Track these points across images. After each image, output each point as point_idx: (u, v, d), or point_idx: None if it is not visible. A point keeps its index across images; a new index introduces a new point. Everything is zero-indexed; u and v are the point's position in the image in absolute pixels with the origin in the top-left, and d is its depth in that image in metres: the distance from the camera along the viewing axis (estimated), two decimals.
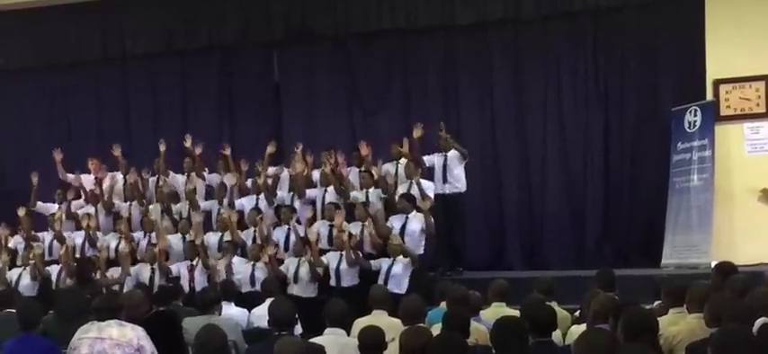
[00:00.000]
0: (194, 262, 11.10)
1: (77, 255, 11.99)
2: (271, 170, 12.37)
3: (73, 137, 14.70)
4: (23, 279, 11.60)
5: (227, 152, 12.65)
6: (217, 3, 13.88)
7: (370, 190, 11.55)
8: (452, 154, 11.75)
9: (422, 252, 10.82)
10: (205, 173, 12.80)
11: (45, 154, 14.44)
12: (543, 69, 12.95)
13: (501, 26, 13.06)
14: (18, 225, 12.67)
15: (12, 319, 7.19)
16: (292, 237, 11.14)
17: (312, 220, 11.49)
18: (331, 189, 11.71)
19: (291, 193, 11.99)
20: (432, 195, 11.26)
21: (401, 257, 10.30)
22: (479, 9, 12.84)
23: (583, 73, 12.80)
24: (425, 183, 11.36)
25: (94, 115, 14.72)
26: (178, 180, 12.83)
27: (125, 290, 10.39)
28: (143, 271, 11.31)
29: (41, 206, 13.08)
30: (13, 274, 11.77)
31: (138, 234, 12.22)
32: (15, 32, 14.40)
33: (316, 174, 12.11)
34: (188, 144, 12.74)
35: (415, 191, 11.16)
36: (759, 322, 5.53)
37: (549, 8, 12.67)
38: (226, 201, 12.11)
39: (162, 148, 12.71)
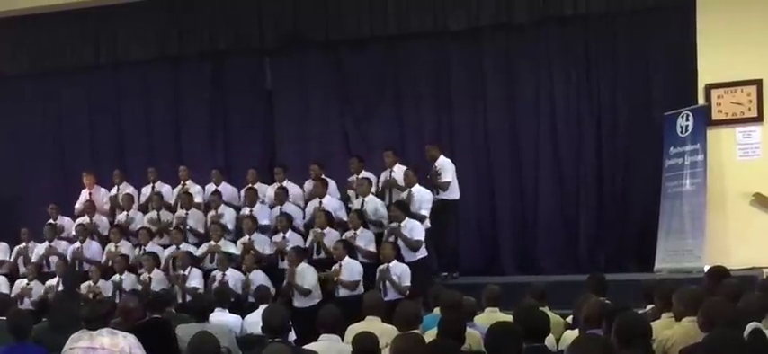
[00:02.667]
0: (186, 273, 11.11)
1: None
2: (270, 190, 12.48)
3: (64, 145, 14.70)
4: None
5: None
6: (209, 10, 13.88)
7: (366, 197, 11.56)
8: (442, 162, 11.76)
9: (425, 254, 10.90)
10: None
11: (36, 162, 14.49)
12: (535, 75, 12.94)
13: (493, 32, 13.04)
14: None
15: (3, 327, 7.18)
16: (289, 247, 11.15)
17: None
18: (325, 199, 11.75)
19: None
20: (428, 208, 11.31)
21: (395, 263, 10.31)
22: (471, 15, 12.82)
23: (575, 78, 12.79)
24: (422, 194, 11.36)
25: (86, 122, 14.70)
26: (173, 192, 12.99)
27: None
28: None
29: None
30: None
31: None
32: (8, 39, 14.37)
33: (308, 185, 12.18)
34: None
35: (415, 201, 11.19)
36: (750, 326, 5.54)
37: (540, 14, 12.66)
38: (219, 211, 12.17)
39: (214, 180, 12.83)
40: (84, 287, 11.47)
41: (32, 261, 12.44)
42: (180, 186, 12.94)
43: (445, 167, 11.71)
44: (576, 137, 12.80)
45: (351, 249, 10.78)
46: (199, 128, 14.33)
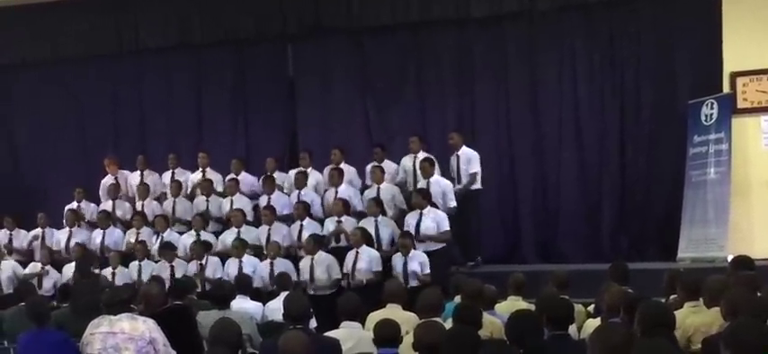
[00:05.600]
0: (203, 262, 11.12)
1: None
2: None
3: (88, 132, 14.76)
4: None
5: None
6: None
7: (382, 185, 11.54)
8: (467, 152, 11.74)
9: (439, 246, 10.81)
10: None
11: (59, 149, 14.55)
12: (558, 62, 12.85)
13: (516, 18, 12.95)
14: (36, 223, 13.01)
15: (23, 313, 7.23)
16: (305, 233, 11.14)
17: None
18: (342, 187, 11.75)
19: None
20: (453, 197, 11.28)
21: (413, 252, 10.28)
22: (494, 1, 12.75)
23: (598, 65, 12.70)
24: (443, 185, 11.32)
25: (109, 109, 14.74)
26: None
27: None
28: (163, 271, 11.32)
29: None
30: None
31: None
32: (30, 27, 14.40)
33: (326, 172, 12.22)
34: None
35: (434, 192, 11.13)
36: None
37: (564, 0, 12.59)
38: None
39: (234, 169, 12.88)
40: (106, 272, 11.54)
41: (53, 247, 12.55)
42: (200, 173, 12.95)
43: (471, 159, 11.68)
44: (600, 125, 12.71)
45: (368, 237, 10.75)
46: (220, 115, 14.34)
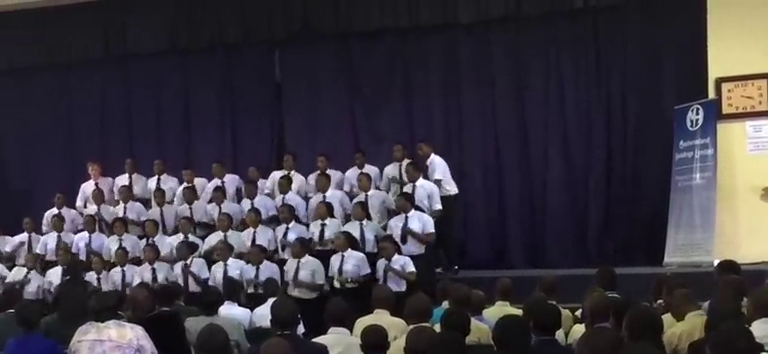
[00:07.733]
0: (188, 262, 11.10)
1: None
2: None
3: (75, 137, 14.71)
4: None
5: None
6: (219, 2, 13.88)
7: (369, 191, 11.56)
8: (434, 160, 11.76)
9: (423, 251, 10.83)
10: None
11: (46, 154, 14.51)
12: (545, 67, 12.91)
13: (502, 24, 13.02)
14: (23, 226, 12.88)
15: (13, 319, 7.20)
16: (291, 236, 11.13)
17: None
18: (328, 193, 11.72)
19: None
20: (439, 200, 11.30)
21: (396, 256, 10.28)
22: (481, 7, 12.80)
23: (584, 71, 12.77)
24: (428, 188, 11.34)
25: (97, 114, 14.70)
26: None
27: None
28: (144, 273, 11.31)
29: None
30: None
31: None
32: (19, 32, 14.37)
33: (312, 179, 12.22)
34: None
35: (419, 195, 11.15)
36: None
37: (550, 6, 12.64)
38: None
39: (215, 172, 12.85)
40: (91, 277, 11.51)
41: (40, 252, 12.47)
42: (184, 185, 12.85)
43: (436, 166, 11.69)
44: (586, 131, 12.77)
45: (353, 241, 10.74)
46: (208, 119, 14.34)
